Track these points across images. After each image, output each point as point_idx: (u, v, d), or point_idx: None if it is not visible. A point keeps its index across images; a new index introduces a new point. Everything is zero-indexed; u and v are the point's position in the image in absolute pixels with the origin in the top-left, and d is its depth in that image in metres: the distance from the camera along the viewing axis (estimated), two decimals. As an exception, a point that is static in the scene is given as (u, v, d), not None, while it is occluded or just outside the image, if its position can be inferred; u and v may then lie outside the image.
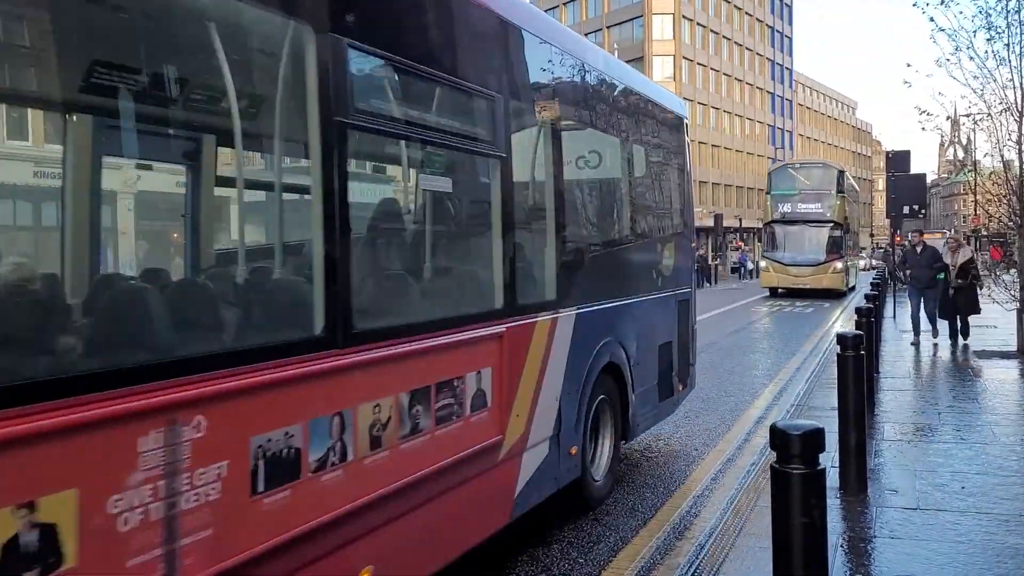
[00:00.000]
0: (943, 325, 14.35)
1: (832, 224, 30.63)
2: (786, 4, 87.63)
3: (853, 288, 33.82)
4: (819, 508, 3.02)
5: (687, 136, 8.40)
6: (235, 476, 2.77)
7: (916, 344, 14.11)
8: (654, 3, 67.27)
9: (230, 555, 2.74)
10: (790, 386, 10.86)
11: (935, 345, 14.18)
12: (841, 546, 4.81)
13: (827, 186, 31.55)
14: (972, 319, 14.31)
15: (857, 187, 35.83)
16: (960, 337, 14.18)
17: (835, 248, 30.39)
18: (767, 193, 32.93)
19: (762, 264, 32.21)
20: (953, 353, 13.51)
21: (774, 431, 3.05)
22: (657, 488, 6.38)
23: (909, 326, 14.72)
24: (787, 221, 31.15)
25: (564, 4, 75.91)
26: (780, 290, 30.89)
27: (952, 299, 13.83)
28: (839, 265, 30.03)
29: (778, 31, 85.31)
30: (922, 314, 14.40)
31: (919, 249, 14.54)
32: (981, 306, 14.28)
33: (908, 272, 15.30)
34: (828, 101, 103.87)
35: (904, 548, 4.79)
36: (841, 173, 32.68)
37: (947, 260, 14.01)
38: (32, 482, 2.17)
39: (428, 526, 3.87)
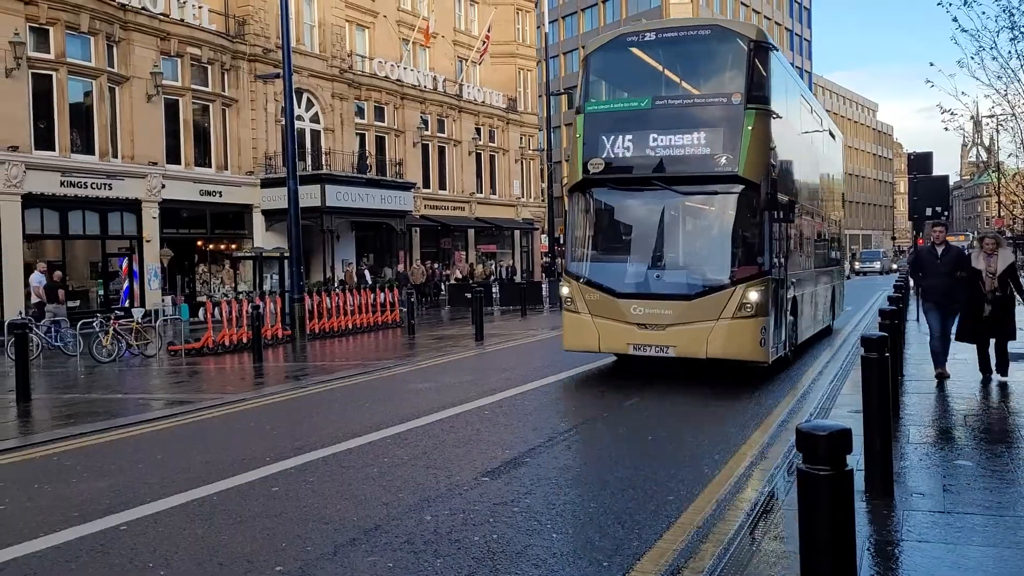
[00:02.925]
0: (966, 354, 10.78)
1: (741, 189, 11.00)
2: (804, 7, 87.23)
3: (830, 330, 17.51)
4: (847, 510, 3.00)
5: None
6: None
7: (942, 377, 10.46)
8: (672, 9, 67.14)
9: None
10: None
11: (944, 379, 10.43)
12: (868, 550, 4.75)
13: (724, 90, 11.42)
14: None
15: (824, 116, 18.00)
16: (996, 373, 10.36)
17: (748, 251, 11.18)
18: (576, 113, 12.25)
19: (565, 291, 12.05)
20: (985, 396, 9.59)
21: (800, 433, 3.03)
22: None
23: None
24: (622, 182, 11.86)
25: (582, 10, 75.93)
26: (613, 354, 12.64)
27: (987, 319, 10.09)
28: (755, 295, 10.79)
29: (797, 34, 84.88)
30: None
31: (939, 250, 10.62)
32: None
33: (921, 282, 11.20)
34: (848, 104, 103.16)
35: (933, 552, 4.73)
36: (761, 52, 11.42)
37: (978, 265, 10.19)
38: None
39: None
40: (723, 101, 11.09)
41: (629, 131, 11.37)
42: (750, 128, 10.74)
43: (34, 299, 19.50)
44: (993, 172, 42.31)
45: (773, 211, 11.00)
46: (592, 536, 5.32)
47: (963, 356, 10.92)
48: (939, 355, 10.56)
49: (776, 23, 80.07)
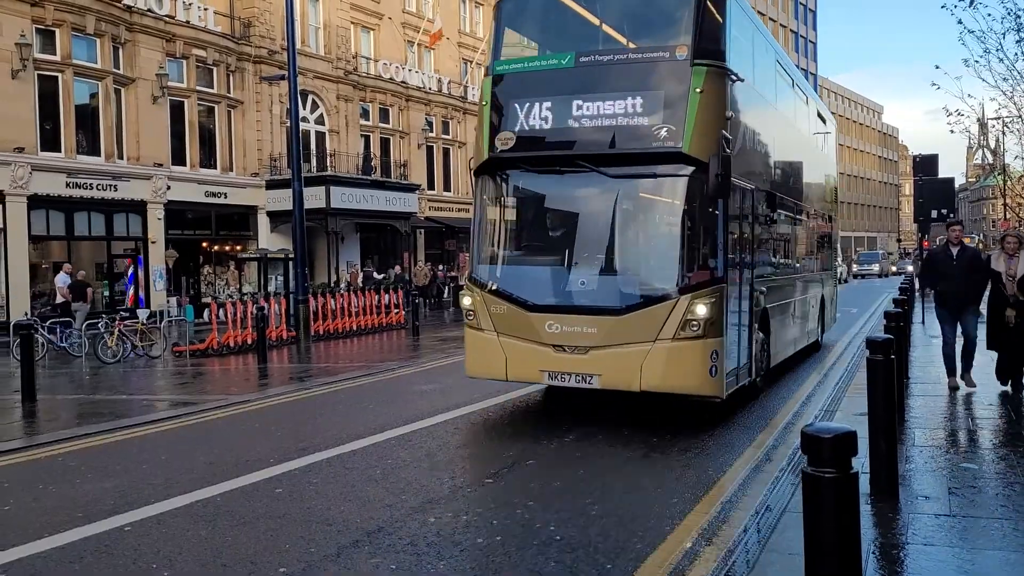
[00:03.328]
0: (984, 362, 9.93)
1: (689, 171, 8.36)
2: (810, 10, 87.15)
3: (818, 346, 15.06)
4: (852, 513, 2.99)
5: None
6: None
7: (955, 389, 9.81)
8: None
9: None
10: None
11: (955, 390, 9.79)
12: (873, 552, 4.73)
13: (667, 43, 8.79)
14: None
15: (810, 93, 15.67)
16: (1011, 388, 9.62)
17: (697, 252, 8.56)
18: (485, 75, 9.67)
19: (466, 303, 9.30)
20: (991, 400, 9.25)
21: (805, 435, 3.02)
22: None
23: (939, 331, 10.16)
24: (538, 163, 9.07)
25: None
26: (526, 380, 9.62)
27: (1016, 326, 9.31)
28: (703, 309, 8.15)
29: (802, 36, 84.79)
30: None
31: (955, 251, 9.85)
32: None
33: (935, 285, 10.19)
34: (853, 106, 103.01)
35: (938, 555, 4.71)
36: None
37: (998, 266, 9.50)
38: None
39: None
40: (664, 56, 8.62)
41: (547, 96, 8.88)
42: (699, 91, 8.27)
43: (59, 299, 19.99)
44: (999, 174, 42.20)
45: (731, 201, 8.70)
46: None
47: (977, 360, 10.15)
48: (952, 363, 9.86)
49: (781, 25, 79.99)
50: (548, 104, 8.88)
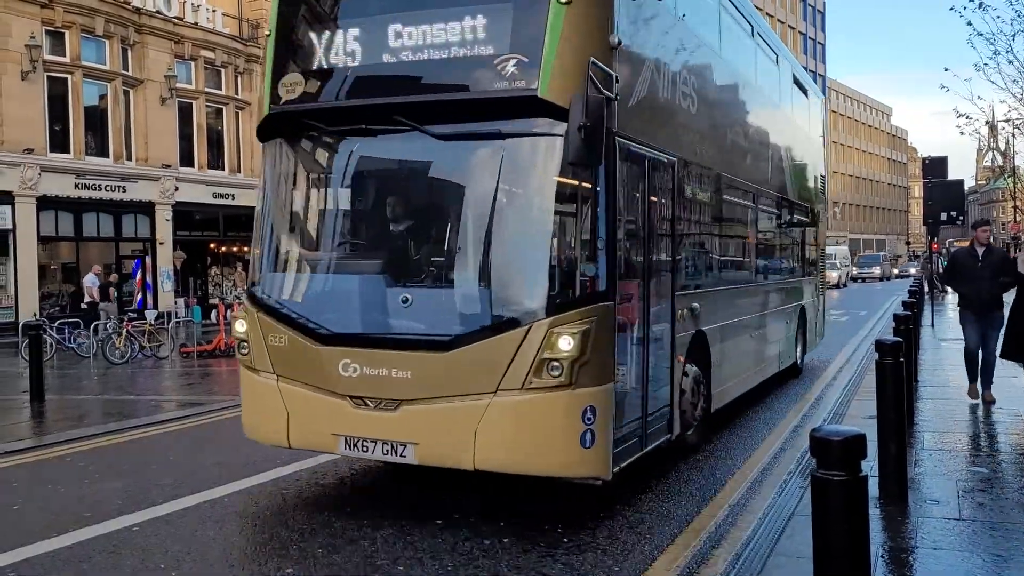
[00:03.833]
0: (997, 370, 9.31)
1: (553, 126, 5.38)
2: (818, 11, 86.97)
3: (797, 371, 12.35)
4: (861, 516, 2.98)
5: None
6: None
7: (977, 399, 9.29)
8: None
9: None
10: None
11: (978, 400, 9.23)
12: (882, 556, 4.71)
13: None
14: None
15: (779, 48, 11.97)
16: None
17: (563, 254, 5.54)
18: None
19: (239, 329, 6.52)
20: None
21: (814, 438, 3.01)
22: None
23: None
24: (337, 117, 6.11)
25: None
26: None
27: None
28: (569, 343, 5.21)
29: (811, 38, 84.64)
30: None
31: (980, 252, 9.23)
32: None
33: (958, 288, 9.49)
34: (862, 108, 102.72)
35: (947, 559, 4.69)
36: None
37: None
38: None
39: None
40: None
41: (350, 21, 6.05)
42: (563, 2, 5.38)
43: (87, 299, 20.27)
44: (1009, 177, 42.04)
45: (625, 174, 5.96)
46: None
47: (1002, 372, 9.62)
48: (974, 368, 9.29)
49: (790, 27, 79.86)
50: (354, 32, 5.96)
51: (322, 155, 6.56)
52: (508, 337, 5.30)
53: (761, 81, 10.67)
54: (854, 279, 55.96)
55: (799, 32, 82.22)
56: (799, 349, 12.48)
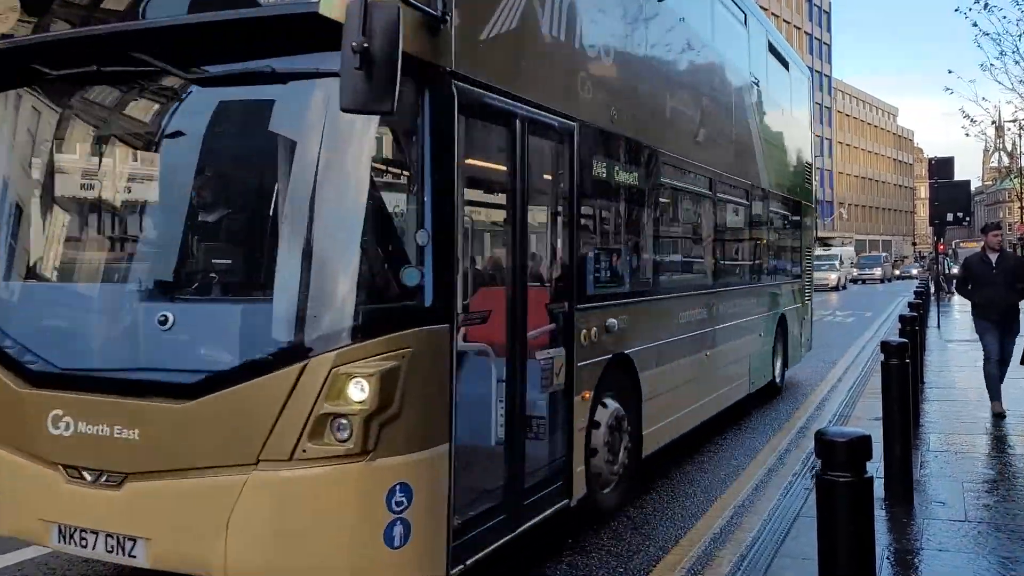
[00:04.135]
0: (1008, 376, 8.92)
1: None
2: (824, 11, 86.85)
3: (777, 390, 10.74)
4: (866, 517, 2.98)
5: None
6: None
7: (999, 414, 8.64)
8: None
9: None
10: None
11: (1001, 417, 8.57)
12: (887, 558, 4.71)
13: None
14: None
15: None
16: None
17: (367, 253, 3.74)
18: None
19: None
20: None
21: (819, 439, 3.01)
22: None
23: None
24: (60, 55, 4.15)
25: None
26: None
27: None
28: (361, 389, 3.51)
29: (816, 38, 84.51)
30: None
31: (993, 258, 8.90)
32: None
33: (973, 296, 9.01)
34: (868, 108, 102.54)
35: (953, 561, 4.68)
36: None
37: None
38: None
39: None
40: None
41: None
42: None
43: None
44: (1015, 177, 41.95)
45: (477, 136, 4.50)
46: None
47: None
48: (996, 383, 8.78)
49: (795, 27, 79.74)
50: None
51: (44, 115, 4.53)
52: (271, 381, 3.60)
53: (720, 42, 8.64)
54: (854, 281, 54.10)
55: (805, 32, 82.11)
56: (778, 364, 10.82)
